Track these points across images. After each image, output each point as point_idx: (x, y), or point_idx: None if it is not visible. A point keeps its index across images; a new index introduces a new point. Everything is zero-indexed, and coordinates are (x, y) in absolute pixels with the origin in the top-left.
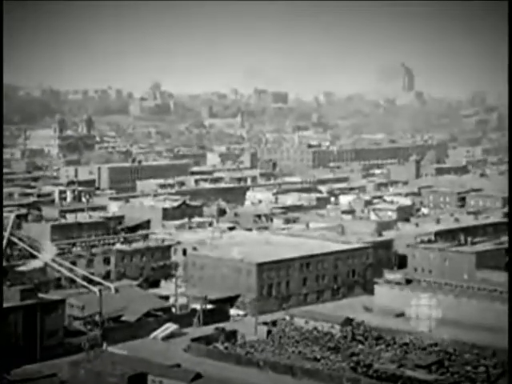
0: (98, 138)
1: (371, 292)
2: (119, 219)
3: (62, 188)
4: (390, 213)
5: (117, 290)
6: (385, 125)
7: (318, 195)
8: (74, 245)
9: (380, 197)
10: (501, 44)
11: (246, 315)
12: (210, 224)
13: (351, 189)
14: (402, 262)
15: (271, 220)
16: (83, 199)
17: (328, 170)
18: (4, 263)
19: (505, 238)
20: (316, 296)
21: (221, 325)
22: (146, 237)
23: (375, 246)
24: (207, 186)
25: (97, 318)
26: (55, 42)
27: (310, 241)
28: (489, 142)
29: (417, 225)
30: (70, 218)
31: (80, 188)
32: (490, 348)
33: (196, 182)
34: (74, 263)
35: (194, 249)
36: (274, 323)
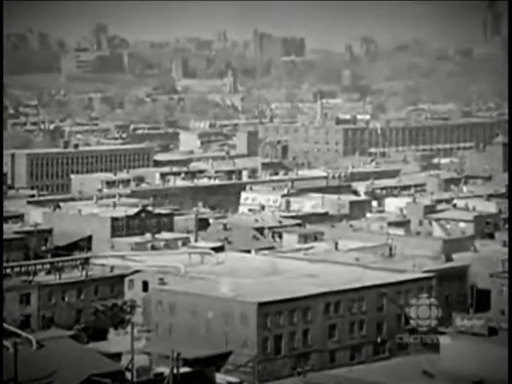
0: (10, 110)
1: (434, 347)
2: (44, 235)
3: None
4: (463, 225)
5: (40, 345)
6: (455, 89)
7: (353, 198)
8: None
9: (448, 200)
10: None
11: (241, 383)
12: (185, 243)
13: (404, 188)
14: (482, 301)
15: (280, 236)
16: None
17: (368, 159)
18: None
19: None
20: (349, 354)
21: None
22: (85, 262)
23: (441, 277)
24: (180, 183)
25: None
26: None
27: (340, 269)
28: None
29: (505, 243)
30: None
31: None
32: None
33: (163, 177)
34: None
35: (161, 281)
36: None
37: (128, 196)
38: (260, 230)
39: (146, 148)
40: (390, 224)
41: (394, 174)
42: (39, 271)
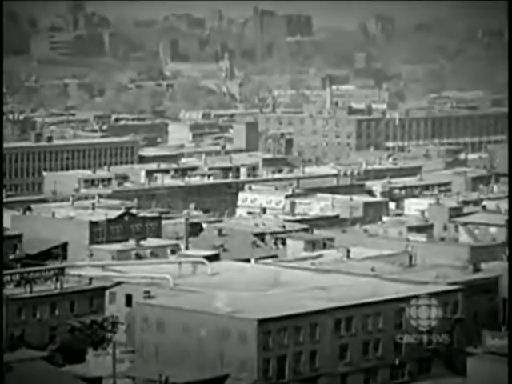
0: None
1: (461, 371)
2: (13, 241)
3: None
4: (493, 230)
5: (9, 368)
6: (484, 74)
7: (367, 199)
8: None
9: (477, 202)
10: None
11: None
12: (174, 251)
13: (426, 187)
14: None
15: (283, 243)
16: None
17: (384, 155)
18: None
19: None
20: (363, 378)
21: None
22: (60, 273)
23: (468, 289)
24: (169, 182)
25: None
26: None
27: (353, 280)
28: None
29: None
30: None
31: None
32: None
33: (149, 174)
34: None
35: (147, 294)
36: None
37: (109, 197)
38: (261, 235)
39: (130, 142)
40: (410, 229)
41: (414, 171)
42: (7, 283)
